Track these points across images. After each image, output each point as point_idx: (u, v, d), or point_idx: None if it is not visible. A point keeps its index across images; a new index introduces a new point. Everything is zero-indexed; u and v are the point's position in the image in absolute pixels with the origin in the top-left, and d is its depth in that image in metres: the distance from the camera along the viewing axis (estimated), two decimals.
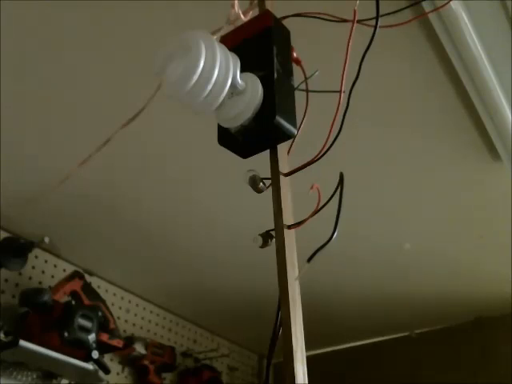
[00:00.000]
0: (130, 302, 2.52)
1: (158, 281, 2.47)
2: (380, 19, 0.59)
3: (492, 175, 1.73)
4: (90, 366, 1.97)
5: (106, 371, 2.03)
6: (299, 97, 0.59)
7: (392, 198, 1.88)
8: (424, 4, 1.06)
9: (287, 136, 0.54)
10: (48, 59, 1.35)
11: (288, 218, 0.50)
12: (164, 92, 0.50)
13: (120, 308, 2.46)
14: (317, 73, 0.59)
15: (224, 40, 0.59)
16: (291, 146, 0.56)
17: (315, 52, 0.93)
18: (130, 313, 2.51)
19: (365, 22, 0.61)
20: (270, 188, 0.53)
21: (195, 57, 0.49)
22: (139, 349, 2.37)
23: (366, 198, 1.84)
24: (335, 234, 0.49)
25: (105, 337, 2.11)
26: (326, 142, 0.51)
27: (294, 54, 0.59)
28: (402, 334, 2.87)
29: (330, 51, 0.99)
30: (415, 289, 2.43)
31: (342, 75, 0.55)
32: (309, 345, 0.47)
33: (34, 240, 1.99)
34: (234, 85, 0.52)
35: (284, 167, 0.53)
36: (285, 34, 0.59)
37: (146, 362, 2.40)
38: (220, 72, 0.50)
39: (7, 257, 1.93)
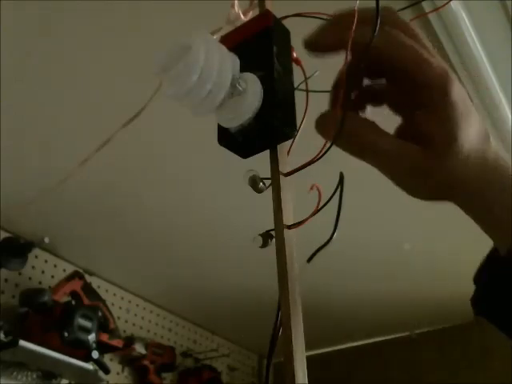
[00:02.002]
0: (130, 302, 2.52)
1: (158, 281, 2.47)
2: None
3: None
4: (89, 366, 1.97)
5: (106, 371, 2.03)
6: (299, 97, 0.58)
7: (392, 197, 1.87)
8: (424, 4, 1.06)
9: (287, 136, 0.54)
10: (48, 59, 1.35)
11: (288, 218, 0.50)
12: (164, 92, 0.50)
13: (120, 308, 2.46)
14: (317, 73, 0.59)
15: (224, 40, 0.59)
16: (291, 146, 0.56)
17: None
18: (130, 313, 2.51)
19: None
20: (270, 188, 0.53)
21: (195, 57, 0.49)
22: (139, 349, 2.37)
23: (366, 198, 1.84)
24: (335, 234, 0.49)
25: (105, 337, 2.11)
26: (326, 142, 0.51)
27: (294, 54, 0.59)
28: (402, 334, 2.87)
29: None
30: (415, 289, 2.43)
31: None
32: (309, 345, 0.47)
33: (34, 240, 1.99)
34: (233, 85, 0.52)
35: (284, 167, 0.53)
36: (285, 34, 0.59)
37: (146, 362, 2.40)
38: (220, 72, 0.50)
39: (7, 257, 1.93)
